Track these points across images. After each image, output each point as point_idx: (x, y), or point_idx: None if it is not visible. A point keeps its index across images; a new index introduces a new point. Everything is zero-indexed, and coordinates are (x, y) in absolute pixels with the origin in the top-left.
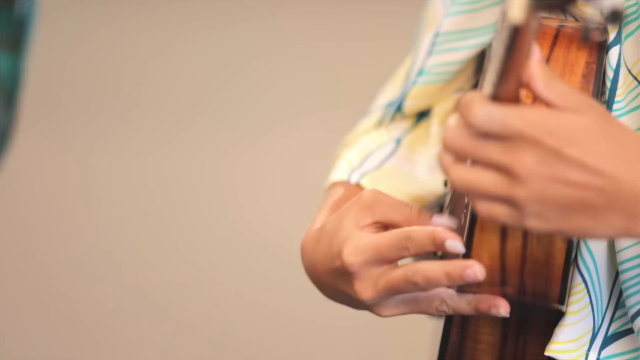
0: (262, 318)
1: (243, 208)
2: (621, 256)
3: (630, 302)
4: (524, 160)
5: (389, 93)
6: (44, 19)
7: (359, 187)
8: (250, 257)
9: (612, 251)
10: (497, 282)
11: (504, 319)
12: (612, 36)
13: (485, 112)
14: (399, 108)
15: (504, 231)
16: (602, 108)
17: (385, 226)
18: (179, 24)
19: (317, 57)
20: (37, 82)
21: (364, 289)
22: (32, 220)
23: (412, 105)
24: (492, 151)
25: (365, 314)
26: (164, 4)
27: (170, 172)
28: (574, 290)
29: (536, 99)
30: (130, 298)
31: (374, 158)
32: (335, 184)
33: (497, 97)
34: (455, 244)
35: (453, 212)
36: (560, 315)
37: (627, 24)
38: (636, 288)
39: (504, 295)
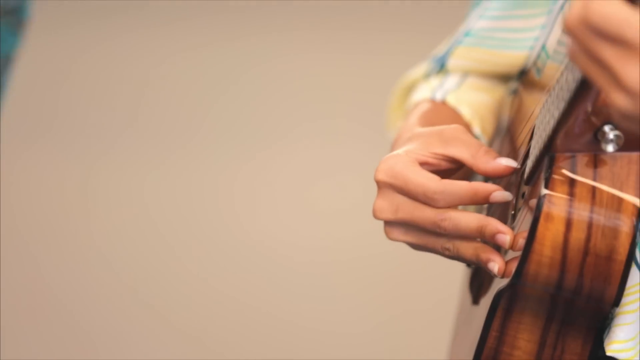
0: (262, 329)
1: (243, 220)
2: None
3: None
4: (634, 73)
5: (441, 46)
6: (42, 35)
7: (444, 104)
8: (252, 268)
9: None
10: (554, 279)
11: (545, 326)
12: None
13: (604, 11)
14: (442, 65)
15: (569, 222)
16: None
17: (451, 161)
18: (176, 40)
19: (315, 71)
20: (34, 98)
21: (383, 209)
22: (32, 231)
23: (455, 64)
24: (606, 49)
25: (371, 321)
26: (161, 21)
27: (169, 186)
28: (632, 289)
29: None
30: (130, 307)
31: (450, 81)
32: (420, 102)
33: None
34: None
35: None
36: (604, 321)
37: None
38: None
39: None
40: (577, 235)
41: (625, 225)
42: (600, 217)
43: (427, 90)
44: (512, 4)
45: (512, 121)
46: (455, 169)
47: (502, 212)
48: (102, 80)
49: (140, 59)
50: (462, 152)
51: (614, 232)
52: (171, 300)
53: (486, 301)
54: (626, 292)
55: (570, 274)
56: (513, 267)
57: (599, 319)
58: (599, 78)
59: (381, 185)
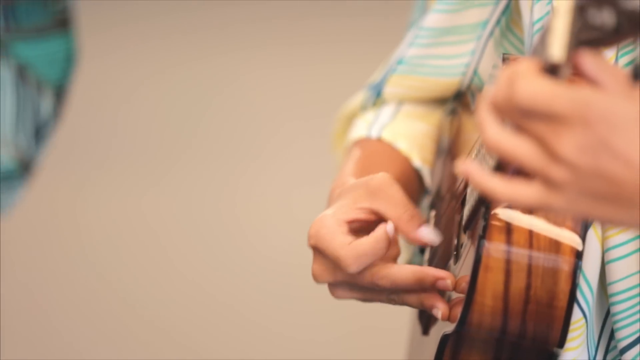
0: (250, 336)
1: (233, 229)
2: (612, 289)
3: (620, 335)
4: (569, 144)
5: (376, 73)
6: None
7: (380, 141)
8: (247, 283)
9: (603, 284)
10: (498, 325)
11: (495, 356)
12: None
13: (530, 90)
14: (379, 93)
15: (508, 271)
16: None
17: (379, 214)
18: (158, 58)
19: (299, 81)
20: None
21: (321, 273)
22: (28, 240)
23: (391, 92)
24: (537, 125)
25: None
26: (141, 39)
27: (157, 197)
28: (575, 325)
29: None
30: (123, 313)
31: (385, 113)
32: (356, 143)
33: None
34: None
35: (435, 255)
36: (552, 357)
37: (623, 54)
38: (626, 321)
39: (503, 341)
40: (517, 284)
41: (564, 270)
42: (539, 264)
43: (364, 127)
44: (440, 31)
45: (452, 143)
46: (386, 220)
47: (445, 250)
48: (88, 95)
49: (125, 75)
50: (387, 211)
51: (554, 278)
52: (161, 304)
53: (436, 332)
54: (570, 327)
55: (513, 321)
56: (458, 311)
57: (546, 357)
58: (533, 154)
59: (314, 249)
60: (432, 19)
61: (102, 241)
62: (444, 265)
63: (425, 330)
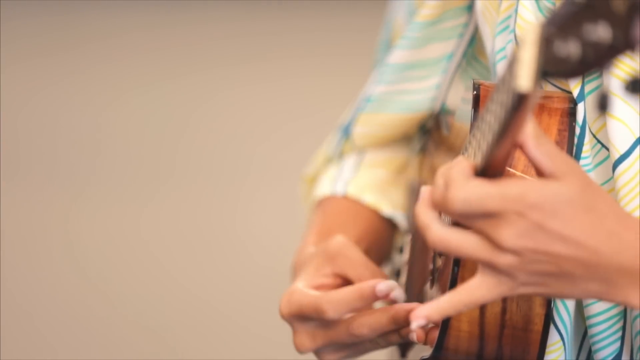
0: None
1: (223, 246)
2: (589, 311)
3: (599, 356)
4: (507, 234)
5: (345, 113)
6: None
7: (346, 199)
8: (240, 293)
9: (580, 305)
10: (475, 350)
11: None
12: (575, 92)
13: (462, 197)
14: (348, 134)
15: None
16: (585, 174)
17: (342, 277)
18: (145, 71)
19: (285, 95)
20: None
21: (302, 343)
22: (21, 269)
23: (360, 133)
24: (476, 222)
25: None
26: (120, 55)
27: (149, 219)
28: (553, 347)
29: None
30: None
31: (348, 167)
32: (320, 203)
33: (487, 164)
34: (386, 284)
35: (412, 280)
36: None
37: (588, 81)
38: (605, 342)
39: None
40: (493, 310)
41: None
42: None
43: (328, 184)
44: (404, 67)
45: (425, 182)
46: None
47: (421, 274)
48: (74, 110)
49: (112, 88)
50: (349, 272)
51: (529, 302)
52: (154, 313)
53: (414, 356)
54: (548, 349)
55: (490, 346)
56: (435, 334)
57: None
58: (477, 247)
59: (289, 321)
60: (396, 55)
61: (91, 253)
62: (420, 290)
63: (404, 354)
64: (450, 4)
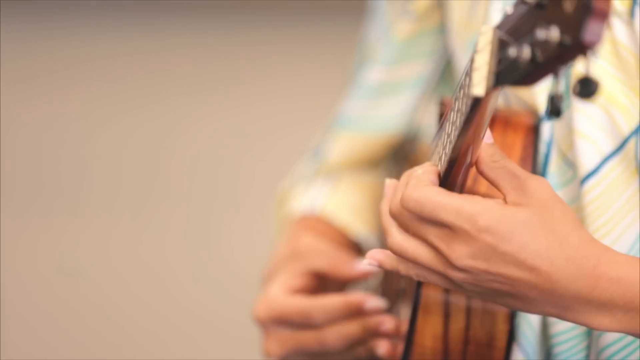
0: None
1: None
2: (554, 329)
3: None
4: (459, 252)
5: (317, 136)
6: None
7: (318, 218)
8: (231, 323)
9: (544, 324)
10: None
11: None
12: (541, 113)
13: (414, 199)
14: (321, 156)
15: (447, 313)
16: (547, 193)
17: (317, 274)
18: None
19: (265, 121)
20: None
21: (271, 348)
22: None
23: (336, 154)
24: (430, 232)
25: None
26: (110, 78)
27: (133, 247)
28: None
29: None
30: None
31: (324, 187)
32: (294, 219)
33: (447, 172)
34: (375, 302)
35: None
36: None
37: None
38: None
39: None
40: (456, 326)
41: (502, 310)
42: (478, 305)
43: (300, 202)
44: (379, 86)
45: None
46: (327, 282)
47: (392, 293)
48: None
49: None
50: (321, 264)
51: (492, 318)
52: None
53: None
54: None
55: None
56: (402, 349)
57: None
58: (432, 260)
59: (263, 325)
60: (372, 74)
61: (80, 274)
62: (391, 309)
63: None
64: (425, 25)
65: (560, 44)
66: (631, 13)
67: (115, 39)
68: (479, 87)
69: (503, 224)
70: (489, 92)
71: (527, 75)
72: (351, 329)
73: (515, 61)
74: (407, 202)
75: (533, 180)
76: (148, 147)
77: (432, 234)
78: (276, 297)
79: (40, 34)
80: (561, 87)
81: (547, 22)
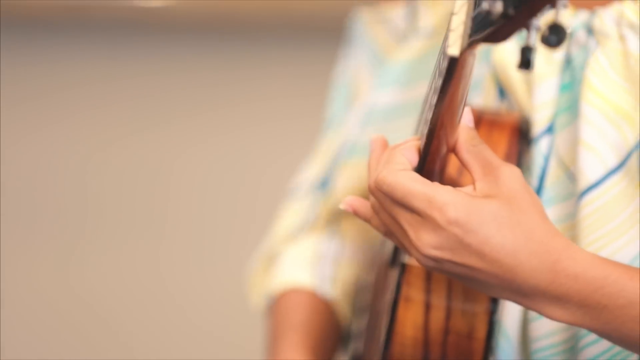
0: None
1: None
2: (536, 345)
3: None
4: (426, 241)
5: (314, 168)
6: None
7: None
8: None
9: (523, 340)
10: (419, 356)
11: None
12: (541, 127)
13: (387, 183)
14: (326, 187)
15: (428, 303)
16: (517, 182)
17: None
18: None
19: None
20: None
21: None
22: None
23: (342, 187)
24: (400, 215)
25: None
26: (109, 103)
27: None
28: None
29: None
30: None
31: (329, 264)
32: (302, 298)
33: (429, 141)
34: None
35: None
36: None
37: (561, 111)
38: None
39: None
40: (437, 315)
41: (483, 303)
42: (459, 296)
43: (305, 271)
44: (394, 108)
45: None
46: None
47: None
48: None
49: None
50: None
51: (473, 309)
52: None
53: None
54: None
55: (434, 353)
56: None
57: None
58: (400, 236)
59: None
60: (382, 99)
61: (78, 301)
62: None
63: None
64: (436, 42)
65: None
66: None
67: (113, 63)
68: (454, 47)
69: (472, 216)
70: (463, 50)
71: (499, 29)
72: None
73: (487, 15)
74: (381, 185)
75: (505, 168)
76: (146, 169)
77: (403, 217)
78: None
79: (37, 58)
80: (532, 40)
81: None
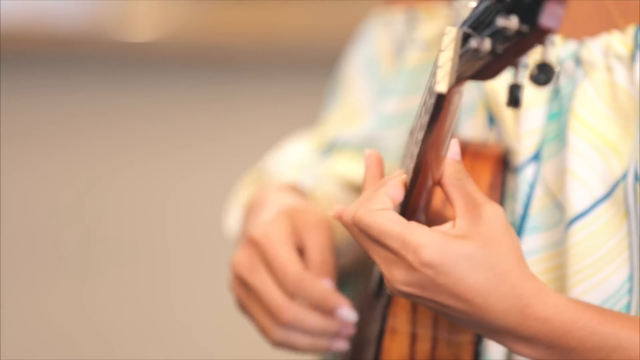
0: None
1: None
2: None
3: None
4: (398, 278)
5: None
6: None
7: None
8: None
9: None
10: None
11: None
12: (527, 155)
13: (364, 223)
14: (331, 149)
15: (414, 334)
16: (499, 223)
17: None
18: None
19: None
20: None
21: (241, 263)
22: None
23: (342, 167)
24: (374, 251)
25: None
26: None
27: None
28: None
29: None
30: None
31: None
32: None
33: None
34: (346, 312)
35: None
36: None
37: (548, 140)
38: None
39: None
40: (423, 345)
41: (468, 333)
42: (445, 327)
43: (290, 174)
44: (398, 115)
45: None
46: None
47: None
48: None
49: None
50: (314, 245)
51: (458, 340)
52: None
53: None
54: None
55: None
56: None
57: None
58: (380, 266)
59: (251, 244)
60: (389, 106)
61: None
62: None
63: None
64: (432, 54)
65: (519, 32)
66: (632, 57)
67: (104, 96)
68: (441, 84)
69: (445, 259)
70: (451, 87)
71: (487, 67)
72: (313, 316)
73: (475, 53)
74: (358, 223)
75: (487, 207)
76: (139, 199)
77: (376, 253)
78: (277, 235)
79: (29, 92)
80: (520, 78)
81: (507, 12)
